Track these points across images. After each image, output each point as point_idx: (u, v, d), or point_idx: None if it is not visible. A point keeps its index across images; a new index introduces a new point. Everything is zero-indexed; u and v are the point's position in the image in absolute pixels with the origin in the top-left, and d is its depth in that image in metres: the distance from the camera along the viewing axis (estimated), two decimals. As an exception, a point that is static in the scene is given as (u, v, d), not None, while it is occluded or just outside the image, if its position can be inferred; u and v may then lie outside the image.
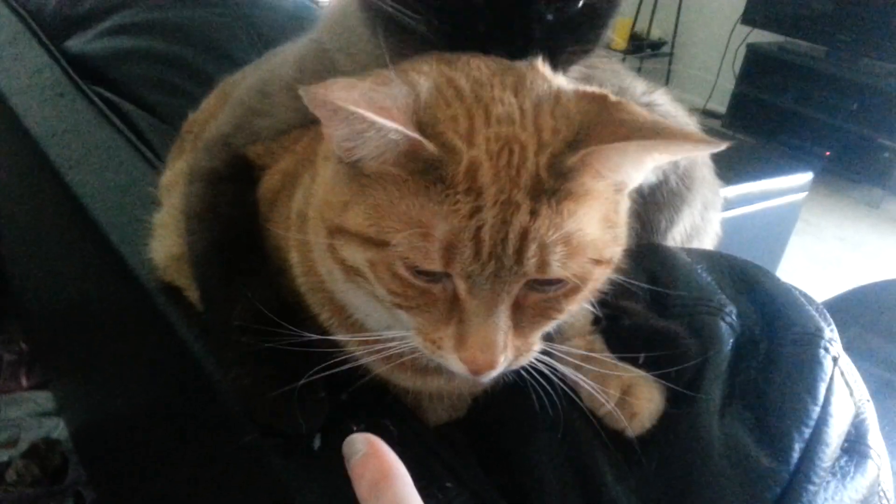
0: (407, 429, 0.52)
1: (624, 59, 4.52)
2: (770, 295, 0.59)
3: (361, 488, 0.39)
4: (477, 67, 0.49)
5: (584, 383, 0.52)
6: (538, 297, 0.46)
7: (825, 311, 0.57)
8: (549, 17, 0.52)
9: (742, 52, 3.85)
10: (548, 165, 0.44)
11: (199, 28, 1.00)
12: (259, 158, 0.60)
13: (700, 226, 0.90)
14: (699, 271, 0.64)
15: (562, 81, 0.51)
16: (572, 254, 0.44)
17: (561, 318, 0.49)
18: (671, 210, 0.85)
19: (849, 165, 3.48)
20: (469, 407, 0.58)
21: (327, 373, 0.49)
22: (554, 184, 0.44)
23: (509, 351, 0.46)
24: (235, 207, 0.57)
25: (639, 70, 4.26)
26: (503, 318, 0.45)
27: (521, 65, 0.51)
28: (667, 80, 4.53)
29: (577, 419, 0.52)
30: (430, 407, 0.57)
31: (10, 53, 1.05)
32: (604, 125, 0.45)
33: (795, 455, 0.47)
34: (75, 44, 1.05)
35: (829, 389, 0.50)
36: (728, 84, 4.02)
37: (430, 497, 0.43)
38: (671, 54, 4.47)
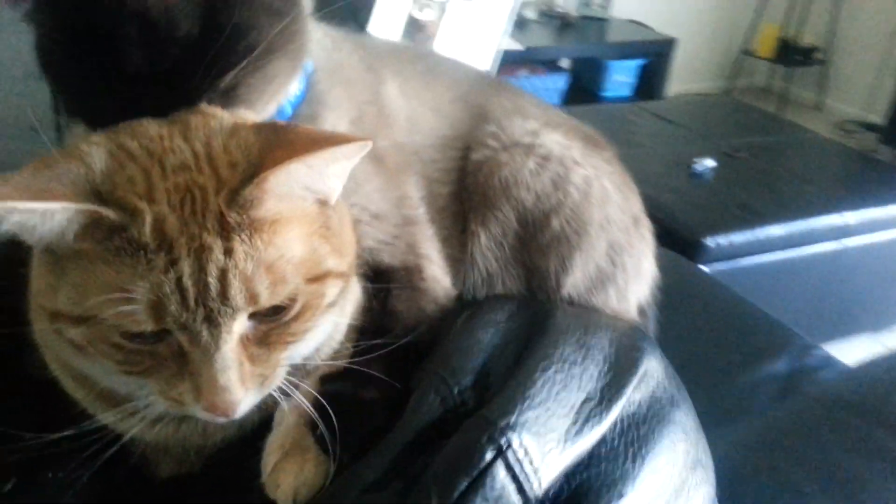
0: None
1: (772, 69, 4.18)
2: (522, 375, 0.54)
3: None
4: (144, 127, 0.50)
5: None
6: (268, 326, 0.48)
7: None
8: (144, 55, 0.51)
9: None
10: (228, 202, 0.45)
11: None
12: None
13: (609, 272, 0.84)
14: (474, 335, 0.59)
15: (246, 116, 0.52)
16: (280, 280, 0.45)
17: (301, 339, 0.50)
18: (558, 256, 0.80)
19: None
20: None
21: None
22: (239, 218, 0.45)
23: (249, 383, 0.47)
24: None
25: (790, 79, 3.92)
26: (230, 357, 0.46)
27: (188, 113, 0.51)
28: (820, 89, 4.11)
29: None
30: (157, 460, 0.58)
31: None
32: (277, 148, 0.46)
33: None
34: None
35: (472, 486, 0.45)
36: (888, 94, 3.57)
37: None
38: (825, 62, 4.05)
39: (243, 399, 0.47)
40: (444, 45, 2.19)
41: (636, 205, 0.90)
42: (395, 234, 0.68)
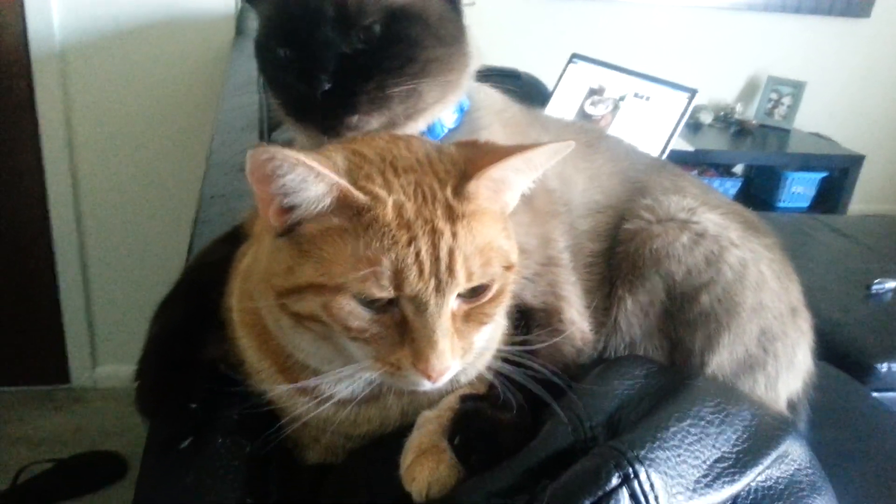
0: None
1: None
2: (655, 421, 0.56)
3: None
4: (372, 139, 0.62)
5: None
6: (469, 306, 0.57)
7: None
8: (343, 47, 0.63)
9: None
10: (454, 195, 0.55)
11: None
12: (247, 227, 0.76)
13: (759, 357, 0.83)
14: (610, 383, 0.62)
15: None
16: (487, 262, 0.55)
17: (489, 321, 0.59)
18: (705, 332, 0.80)
19: None
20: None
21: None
22: (462, 208, 0.55)
23: (456, 353, 0.55)
24: (211, 263, 0.74)
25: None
26: (447, 326, 0.54)
27: (402, 135, 0.64)
28: None
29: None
30: (308, 446, 0.65)
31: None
32: (480, 158, 0.57)
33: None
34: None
35: (598, 501, 0.47)
36: None
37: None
38: None
39: (452, 366, 0.54)
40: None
41: (795, 295, 0.88)
42: (538, 273, 0.73)
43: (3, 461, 2.21)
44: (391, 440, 0.60)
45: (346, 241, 0.53)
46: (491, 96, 0.81)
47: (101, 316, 2.59)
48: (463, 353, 0.57)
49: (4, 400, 2.50)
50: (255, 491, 0.58)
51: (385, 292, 0.52)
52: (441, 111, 0.72)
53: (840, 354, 1.99)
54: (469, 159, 0.58)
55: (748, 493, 0.57)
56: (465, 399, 0.61)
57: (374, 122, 0.67)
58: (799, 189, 3.57)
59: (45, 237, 2.43)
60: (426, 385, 0.55)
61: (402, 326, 0.54)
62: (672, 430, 0.54)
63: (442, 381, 0.55)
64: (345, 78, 0.65)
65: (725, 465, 0.56)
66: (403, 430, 0.61)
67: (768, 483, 0.59)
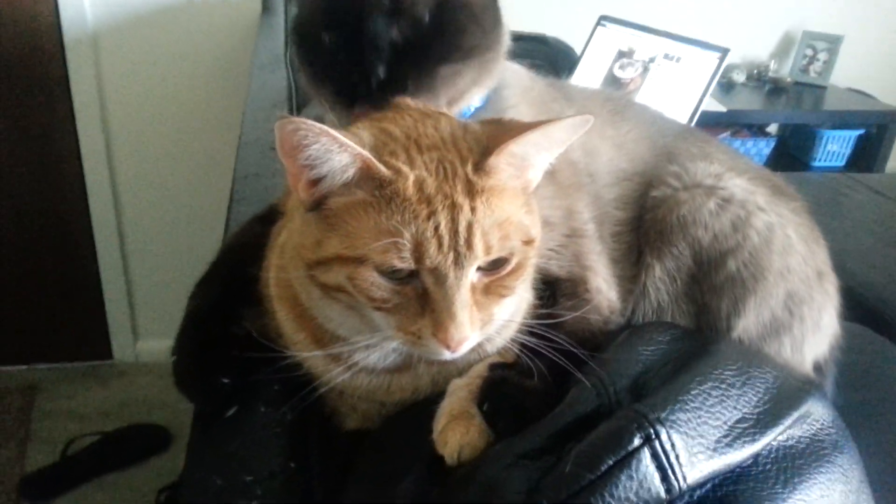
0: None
1: None
2: (677, 385, 0.57)
3: None
4: (401, 117, 0.63)
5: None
6: (489, 279, 0.59)
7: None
8: (394, 35, 0.66)
9: None
10: (474, 171, 0.57)
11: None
12: (281, 206, 0.79)
13: (785, 321, 0.84)
14: (635, 349, 0.63)
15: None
16: (506, 236, 0.57)
17: (510, 294, 0.61)
18: (731, 297, 0.82)
19: None
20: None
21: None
22: (481, 184, 0.57)
23: (475, 324, 0.58)
24: (248, 241, 0.77)
25: None
26: (466, 298, 0.57)
27: (432, 111, 0.65)
28: None
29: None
30: (346, 413, 0.68)
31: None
32: (502, 134, 0.59)
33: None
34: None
35: (617, 464, 0.49)
36: None
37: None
38: None
39: (470, 337, 0.57)
40: (644, 102, 2.22)
41: (822, 258, 0.89)
42: (562, 244, 0.75)
43: (52, 435, 2.32)
44: (423, 407, 0.62)
45: (368, 214, 0.55)
46: (517, 73, 0.83)
47: (141, 293, 2.67)
48: (482, 325, 0.59)
49: (51, 376, 2.60)
50: (297, 456, 0.61)
51: (405, 264, 0.55)
52: (477, 94, 0.74)
53: (874, 315, 1.98)
54: (492, 136, 0.59)
55: (769, 451, 0.59)
56: (493, 367, 0.63)
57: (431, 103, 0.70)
58: (834, 147, 3.50)
59: (85, 218, 2.50)
60: (446, 355, 0.57)
61: (423, 297, 0.56)
62: (693, 392, 0.56)
63: (461, 351, 0.57)
64: (395, 65, 0.67)
65: (746, 425, 0.57)
66: (435, 397, 0.63)
67: (790, 442, 0.61)
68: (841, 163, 3.53)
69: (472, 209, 0.55)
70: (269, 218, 0.79)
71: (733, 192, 0.83)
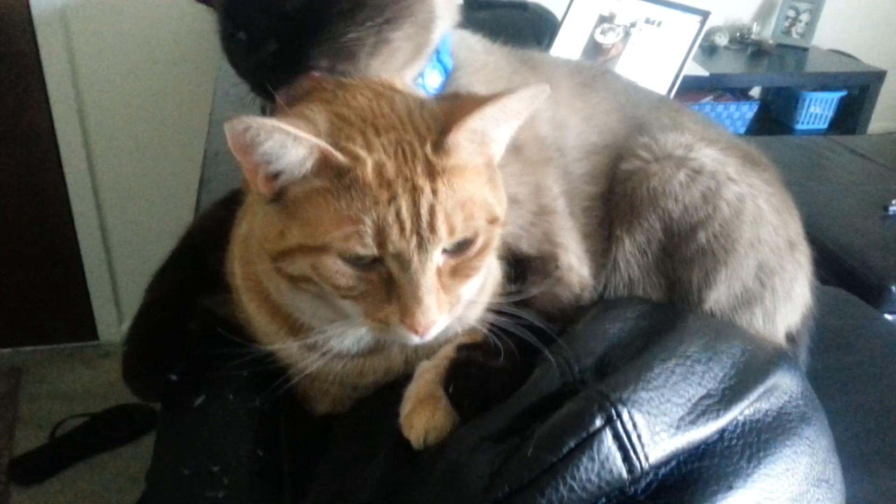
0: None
1: None
2: (640, 362, 0.58)
3: None
4: (353, 98, 0.62)
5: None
6: (455, 261, 0.58)
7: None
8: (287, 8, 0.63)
9: None
10: (433, 151, 0.56)
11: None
12: (244, 188, 0.77)
13: (757, 292, 0.84)
14: (602, 325, 0.63)
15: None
16: (470, 216, 0.57)
17: (477, 274, 0.61)
18: (702, 269, 0.82)
19: None
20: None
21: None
22: (441, 164, 0.56)
23: (443, 308, 0.57)
24: (211, 225, 0.76)
25: None
26: (431, 283, 0.56)
27: (385, 85, 0.63)
28: None
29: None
30: (317, 398, 0.68)
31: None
32: (459, 109, 0.58)
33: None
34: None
35: (579, 446, 0.49)
36: None
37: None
38: None
39: (438, 321, 0.57)
40: (626, 68, 2.20)
41: (794, 228, 0.88)
42: (532, 222, 0.74)
43: (40, 417, 2.32)
44: (393, 389, 0.63)
45: (328, 202, 0.54)
46: (472, 50, 0.80)
47: (123, 273, 2.65)
48: (450, 308, 0.58)
49: (37, 358, 2.60)
50: (265, 444, 0.61)
51: (368, 250, 0.54)
52: (419, 65, 0.72)
53: (854, 277, 1.99)
54: (449, 112, 0.58)
55: (735, 426, 0.59)
56: (460, 348, 0.63)
57: (357, 73, 0.66)
58: (817, 110, 3.50)
59: (63, 197, 2.47)
60: (415, 339, 0.57)
61: (388, 284, 0.56)
62: (657, 370, 0.56)
63: (430, 336, 0.57)
64: (292, 37, 0.64)
65: (711, 401, 0.58)
66: (407, 378, 0.63)
67: (756, 416, 0.61)
68: (824, 125, 3.53)
69: (434, 191, 0.54)
70: (233, 201, 0.78)
71: (703, 163, 0.82)
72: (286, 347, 0.65)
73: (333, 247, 0.54)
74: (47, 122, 2.35)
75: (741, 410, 0.59)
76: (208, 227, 0.79)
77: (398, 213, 0.53)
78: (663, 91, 2.25)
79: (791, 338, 0.89)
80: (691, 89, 3.14)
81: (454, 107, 0.59)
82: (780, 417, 0.64)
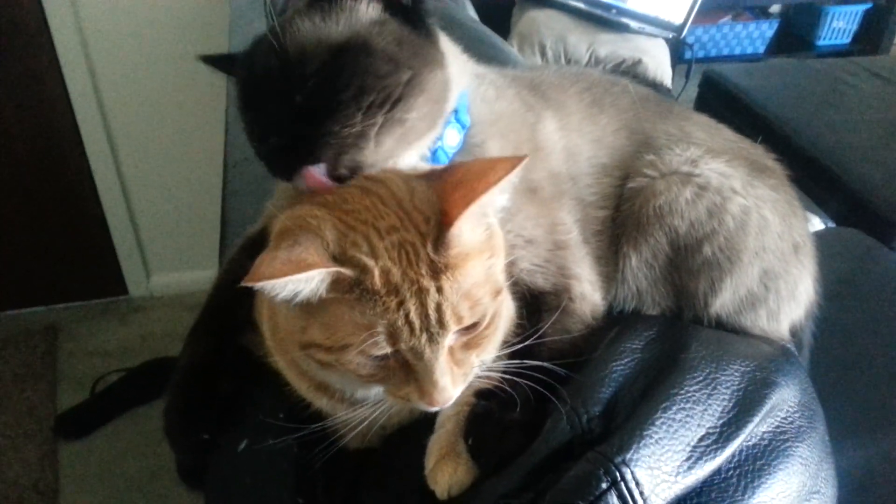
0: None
1: None
2: (643, 415, 0.62)
3: None
4: (351, 199, 0.63)
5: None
6: (468, 336, 0.63)
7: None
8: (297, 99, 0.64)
9: None
10: (434, 250, 0.59)
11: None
12: (271, 225, 0.80)
13: (761, 295, 0.88)
14: (608, 365, 0.67)
15: (408, 169, 0.68)
16: (476, 302, 0.60)
17: (490, 342, 0.65)
18: (708, 279, 0.85)
19: None
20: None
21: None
22: (443, 261, 0.58)
23: (458, 382, 0.63)
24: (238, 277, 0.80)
25: None
26: (444, 364, 0.61)
27: (372, 183, 0.65)
28: None
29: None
30: (348, 435, 0.74)
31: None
32: (452, 192, 0.60)
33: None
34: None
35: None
36: None
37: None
38: None
39: (453, 395, 0.62)
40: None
41: (799, 230, 0.90)
42: (547, 259, 0.77)
43: (80, 373, 2.44)
44: (418, 431, 0.68)
45: (342, 310, 0.57)
46: (486, 100, 0.79)
47: (147, 228, 2.72)
48: (465, 378, 0.63)
49: (71, 316, 2.71)
50: (304, 490, 0.67)
51: (384, 350, 0.58)
52: (436, 133, 0.72)
53: (870, 214, 1.98)
54: (443, 194, 0.60)
55: (732, 458, 0.64)
56: (478, 395, 0.68)
57: (366, 158, 0.67)
58: (840, 24, 3.38)
59: (83, 158, 2.51)
60: (436, 409, 0.63)
61: (406, 367, 0.60)
62: (658, 422, 0.61)
63: (449, 404, 0.62)
64: (298, 129, 0.65)
65: (709, 441, 0.63)
66: (429, 417, 0.69)
67: (752, 441, 0.66)
68: (847, 40, 3.42)
69: (439, 289, 0.57)
70: (259, 245, 0.81)
71: (709, 179, 0.84)
72: (318, 403, 0.71)
73: (352, 348, 0.58)
74: (61, 90, 2.36)
75: (740, 442, 0.64)
76: (236, 278, 0.82)
77: (407, 316, 0.57)
78: (683, 13, 2.20)
79: (794, 332, 0.93)
80: (710, 10, 3.04)
81: (449, 187, 0.60)
82: (775, 439, 0.68)
